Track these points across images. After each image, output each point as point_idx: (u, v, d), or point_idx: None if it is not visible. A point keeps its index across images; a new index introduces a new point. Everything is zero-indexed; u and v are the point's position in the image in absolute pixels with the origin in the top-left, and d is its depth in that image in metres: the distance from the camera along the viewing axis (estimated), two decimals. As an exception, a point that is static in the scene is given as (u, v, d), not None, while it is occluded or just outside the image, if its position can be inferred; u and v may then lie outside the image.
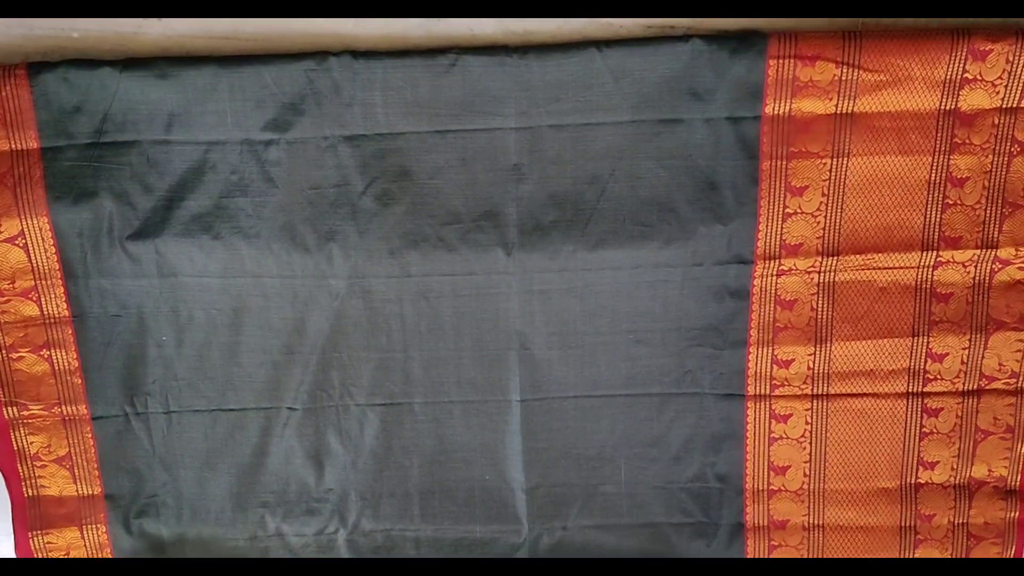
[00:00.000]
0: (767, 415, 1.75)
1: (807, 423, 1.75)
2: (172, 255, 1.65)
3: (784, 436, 1.76)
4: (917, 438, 1.75)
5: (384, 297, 1.68)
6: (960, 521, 1.77)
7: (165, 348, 1.71)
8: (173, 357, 1.71)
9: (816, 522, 1.79)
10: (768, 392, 1.73)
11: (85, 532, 1.79)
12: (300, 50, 1.58)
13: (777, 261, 1.66)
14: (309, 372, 1.73)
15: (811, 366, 1.72)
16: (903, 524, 1.78)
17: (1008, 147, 1.59)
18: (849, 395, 1.73)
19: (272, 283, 1.68)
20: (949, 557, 1.74)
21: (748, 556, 1.77)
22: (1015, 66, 1.54)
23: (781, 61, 1.56)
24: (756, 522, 1.80)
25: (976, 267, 1.66)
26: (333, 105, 1.60)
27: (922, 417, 1.74)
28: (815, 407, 1.74)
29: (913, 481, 1.75)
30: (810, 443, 1.76)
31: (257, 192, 1.64)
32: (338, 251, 1.65)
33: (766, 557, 1.76)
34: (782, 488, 1.78)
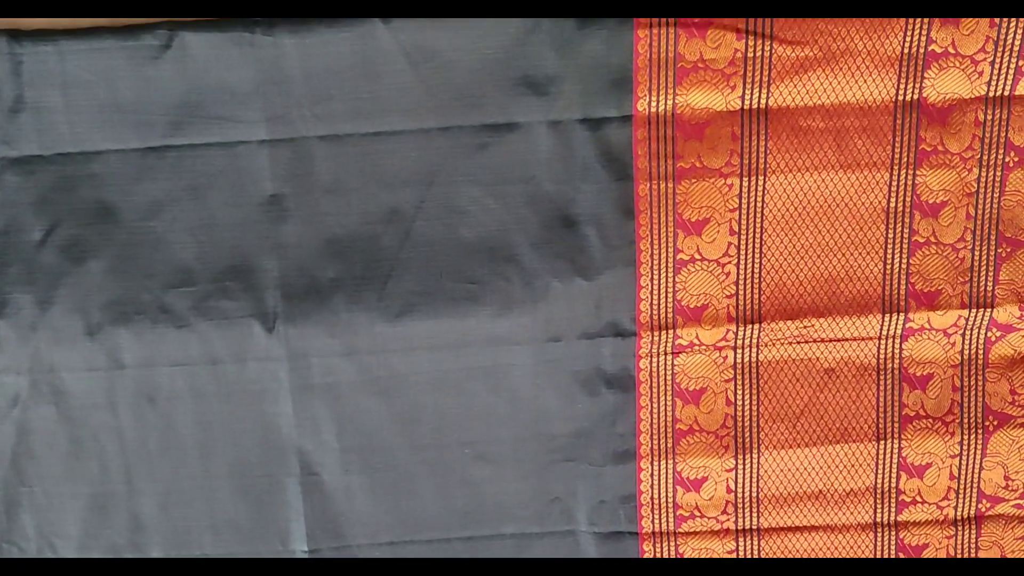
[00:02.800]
0: None
1: None
2: None
3: None
4: None
5: (87, 400, 1.38)
6: None
7: None
8: None
9: None
10: (672, 528, 1.44)
11: None
12: (-71, 29, 1.27)
13: (671, 332, 1.38)
14: None
15: (731, 487, 1.42)
16: None
17: (999, 156, 1.33)
18: (789, 530, 1.44)
19: None
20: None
21: None
22: (1004, 32, 1.29)
23: (655, 31, 1.29)
24: None
25: (964, 336, 1.39)
26: (-12, 112, 1.31)
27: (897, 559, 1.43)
28: (742, 549, 1.45)
29: None
30: None
31: None
32: (9, 331, 1.36)
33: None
34: None
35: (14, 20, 1.31)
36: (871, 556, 1.46)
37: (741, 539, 1.46)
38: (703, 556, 1.46)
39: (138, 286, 1.37)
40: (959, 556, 1.46)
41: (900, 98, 1.33)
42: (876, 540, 1.46)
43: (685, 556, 1.46)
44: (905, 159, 1.35)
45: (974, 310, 1.39)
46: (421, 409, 1.42)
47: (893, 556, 1.46)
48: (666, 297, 1.39)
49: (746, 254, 1.38)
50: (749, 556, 1.46)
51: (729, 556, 1.47)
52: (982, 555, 1.46)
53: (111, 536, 1.44)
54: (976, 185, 1.36)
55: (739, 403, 1.42)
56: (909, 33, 1.31)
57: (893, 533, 1.46)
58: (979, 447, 1.44)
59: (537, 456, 1.44)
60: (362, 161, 1.35)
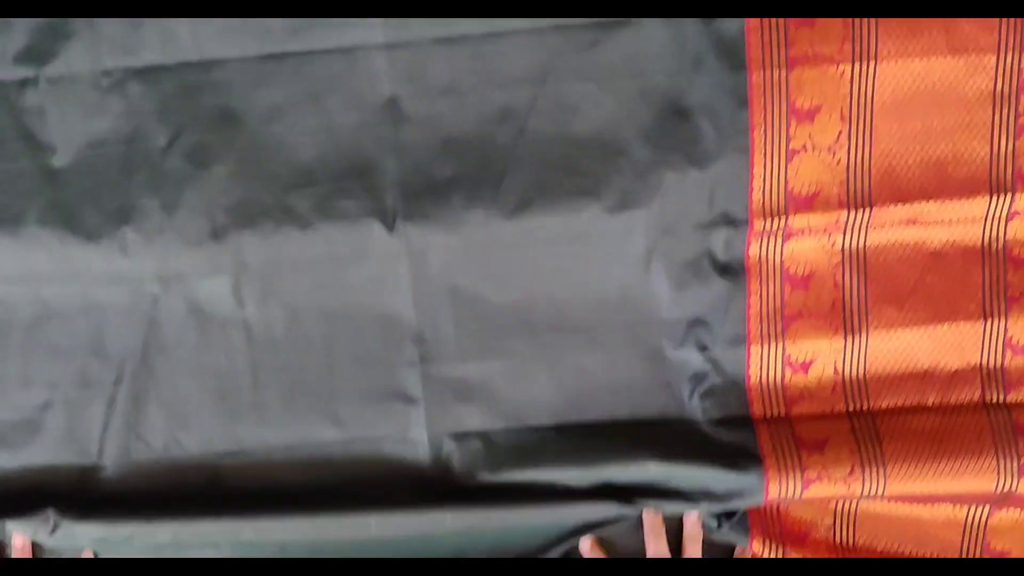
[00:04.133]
0: (792, 444, 1.47)
1: (853, 453, 1.45)
2: None
3: (823, 476, 1.45)
4: (1015, 475, 1.44)
5: (215, 297, 1.44)
6: None
7: (-95, 389, 1.43)
8: (-83, 402, 1.42)
9: None
10: (783, 412, 1.48)
11: None
12: (55, -57, 1.27)
13: (783, 219, 1.40)
14: (117, 412, 1.47)
15: (839, 368, 1.45)
16: None
17: None
18: (903, 410, 1.47)
19: (49, 288, 1.43)
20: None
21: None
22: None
23: None
24: None
25: None
26: (114, 23, 1.33)
27: (1018, 441, 1.41)
28: (858, 430, 1.47)
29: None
30: (862, 483, 1.45)
31: (13, 155, 1.37)
32: (136, 236, 1.38)
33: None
34: None
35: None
36: (989, 436, 1.45)
37: (855, 421, 1.48)
38: (822, 437, 1.47)
39: (261, 188, 1.40)
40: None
41: None
42: (991, 420, 1.47)
43: (800, 435, 1.46)
44: (1012, 42, 1.36)
45: None
46: (535, 298, 1.44)
47: (1012, 436, 1.46)
48: (778, 185, 1.40)
49: (857, 140, 1.39)
50: (865, 436, 1.46)
51: (847, 434, 1.46)
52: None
53: (236, 431, 1.48)
54: None
55: (847, 286, 1.44)
56: None
57: (1006, 414, 1.47)
58: None
59: (649, 341, 1.47)
60: (476, 62, 1.36)
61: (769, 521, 1.48)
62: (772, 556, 1.44)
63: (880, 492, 1.43)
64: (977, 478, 1.43)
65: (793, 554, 1.44)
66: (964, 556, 1.46)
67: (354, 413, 1.48)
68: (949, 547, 1.47)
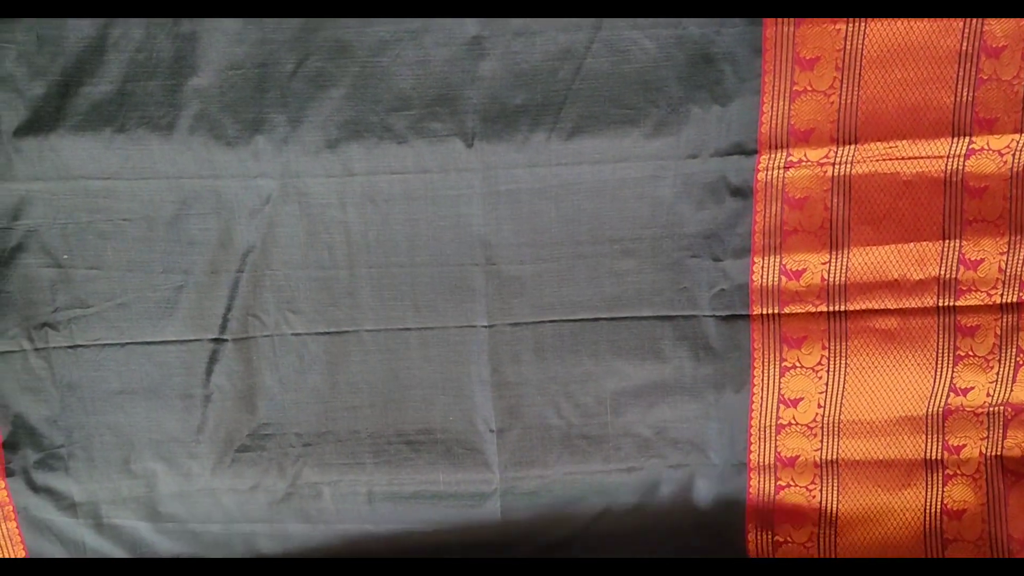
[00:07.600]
0: (776, 339, 1.62)
1: (824, 348, 1.62)
2: (69, 153, 1.51)
3: (797, 364, 1.63)
4: (950, 363, 1.64)
5: (323, 200, 1.57)
6: (993, 453, 1.67)
7: (67, 268, 1.57)
8: (77, 279, 1.58)
9: (830, 457, 1.70)
10: (777, 310, 1.62)
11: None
12: None
13: (785, 151, 1.55)
14: (239, 295, 1.60)
15: (825, 277, 1.61)
16: (928, 457, 1.69)
17: None
18: (871, 312, 1.62)
19: (190, 185, 1.56)
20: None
21: (751, 496, 1.71)
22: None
23: None
24: (761, 461, 1.70)
25: (1014, 155, 1.55)
26: (255, -36, 1.44)
27: (956, 337, 1.62)
28: (832, 328, 1.63)
29: (942, 408, 1.64)
30: (827, 371, 1.65)
31: (168, 74, 1.50)
32: (266, 144, 1.53)
33: (772, 498, 1.71)
34: (792, 422, 1.66)
35: None
36: (934, 335, 1.64)
37: (832, 322, 1.65)
38: (803, 335, 1.64)
39: (368, 109, 1.53)
40: (1006, 335, 1.64)
41: None
42: (939, 323, 1.65)
43: (788, 335, 1.64)
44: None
45: None
46: (582, 212, 1.60)
47: (953, 335, 1.64)
48: (782, 121, 1.55)
49: (847, 87, 1.53)
50: (838, 337, 1.65)
51: (822, 335, 1.64)
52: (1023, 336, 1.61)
53: (334, 312, 1.64)
54: None
55: (834, 209, 1.59)
56: None
57: (952, 316, 1.64)
58: (1022, 245, 1.58)
59: (671, 252, 1.62)
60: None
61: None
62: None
63: (840, 382, 1.65)
64: (919, 367, 1.64)
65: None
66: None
67: (430, 305, 1.64)
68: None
